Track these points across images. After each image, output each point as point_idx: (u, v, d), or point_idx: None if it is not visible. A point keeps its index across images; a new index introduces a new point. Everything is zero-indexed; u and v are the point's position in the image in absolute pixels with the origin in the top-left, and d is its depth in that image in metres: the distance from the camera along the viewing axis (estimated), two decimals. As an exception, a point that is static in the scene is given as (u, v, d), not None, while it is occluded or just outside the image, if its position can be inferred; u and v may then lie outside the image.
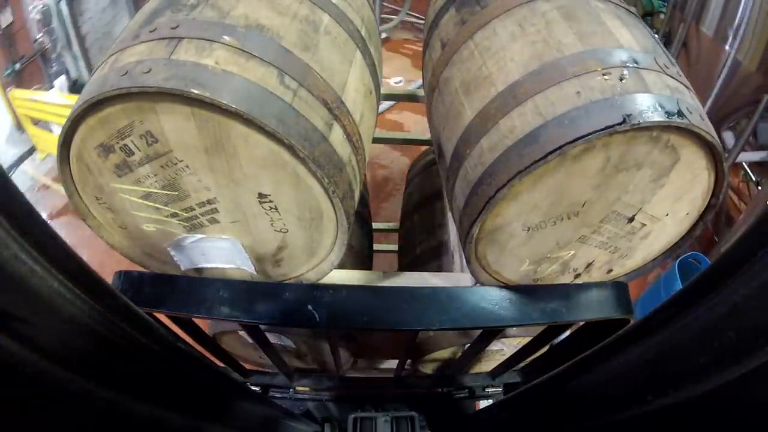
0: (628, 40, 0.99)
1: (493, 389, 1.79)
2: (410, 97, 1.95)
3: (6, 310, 0.39)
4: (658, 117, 0.84)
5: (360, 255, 1.88)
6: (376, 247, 2.26)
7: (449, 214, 1.85)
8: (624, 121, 0.84)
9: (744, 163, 3.34)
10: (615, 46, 0.96)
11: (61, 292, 0.43)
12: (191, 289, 1.04)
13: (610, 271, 1.24)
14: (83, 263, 0.47)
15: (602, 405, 0.71)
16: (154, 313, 1.02)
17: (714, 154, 0.95)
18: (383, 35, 5.40)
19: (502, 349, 1.66)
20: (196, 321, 1.27)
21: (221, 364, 1.58)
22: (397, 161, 4.31)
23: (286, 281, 1.17)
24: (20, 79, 4.39)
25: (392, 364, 2.01)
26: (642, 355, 0.61)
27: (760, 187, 3.26)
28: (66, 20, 4.24)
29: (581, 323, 1.24)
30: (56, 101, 3.99)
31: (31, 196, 3.97)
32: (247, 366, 1.76)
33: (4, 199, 0.37)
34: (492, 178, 0.97)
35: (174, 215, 1.01)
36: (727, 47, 2.59)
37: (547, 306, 1.09)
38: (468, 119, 1.08)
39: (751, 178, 3.42)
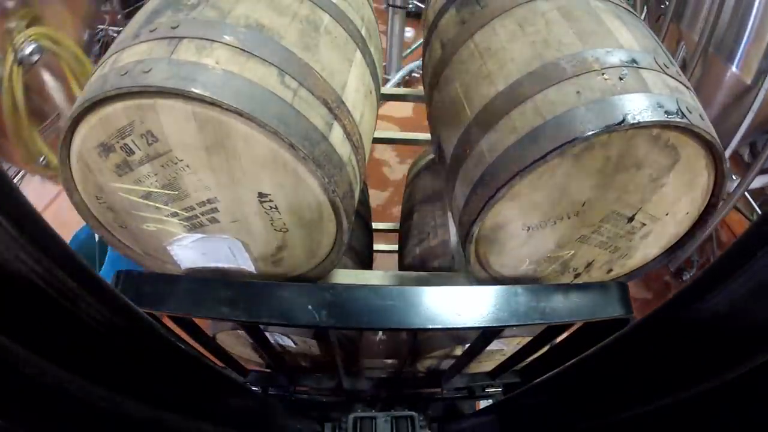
0: (628, 39, 0.99)
1: (493, 389, 1.79)
2: (411, 98, 1.95)
3: (6, 310, 0.39)
4: (657, 116, 0.84)
5: (360, 255, 1.88)
6: (376, 247, 2.26)
7: (449, 214, 1.85)
8: (623, 121, 0.84)
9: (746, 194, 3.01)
10: (615, 45, 0.96)
11: (61, 292, 0.43)
12: (191, 289, 1.04)
13: (610, 270, 1.24)
14: (83, 263, 0.47)
15: (602, 405, 0.71)
16: (154, 313, 1.02)
17: (714, 153, 0.95)
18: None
19: (502, 349, 1.66)
20: (196, 321, 1.27)
21: (221, 364, 1.58)
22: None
23: (286, 281, 1.17)
24: None
25: (392, 364, 2.01)
26: (642, 355, 0.61)
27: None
28: None
29: (581, 323, 1.24)
30: None
31: None
32: (247, 366, 1.76)
33: (4, 199, 0.37)
34: (492, 178, 0.97)
35: (174, 215, 1.01)
36: (734, 68, 2.32)
37: (547, 306, 1.09)
38: (468, 119, 1.08)
39: (754, 207, 3.19)
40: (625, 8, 1.13)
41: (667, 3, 2.63)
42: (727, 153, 2.48)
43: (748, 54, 2.26)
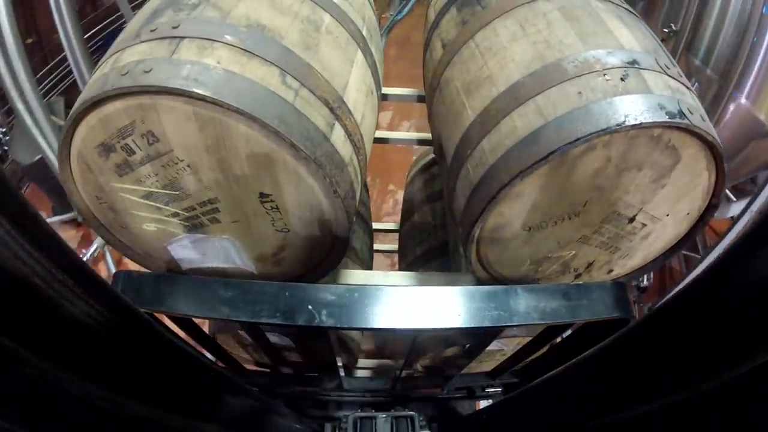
0: (629, 40, 0.99)
1: (493, 389, 1.79)
2: (411, 98, 1.95)
3: (6, 310, 0.39)
4: (658, 117, 0.84)
5: (360, 255, 1.88)
6: (376, 247, 2.26)
7: (450, 214, 1.85)
8: (625, 122, 0.84)
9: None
10: (616, 46, 0.96)
11: (61, 292, 0.43)
12: (191, 289, 1.04)
13: (611, 271, 1.24)
14: (83, 263, 0.47)
15: (602, 405, 0.71)
16: (155, 313, 1.02)
17: (714, 154, 0.95)
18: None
19: (502, 349, 1.66)
20: (196, 321, 1.27)
21: (221, 364, 1.58)
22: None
23: (287, 281, 1.17)
24: None
25: (392, 364, 2.01)
26: (642, 356, 0.61)
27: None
28: None
29: (581, 323, 1.24)
30: None
31: None
32: (247, 366, 1.76)
33: (4, 199, 0.37)
34: (493, 179, 0.97)
35: (175, 215, 1.01)
36: (743, 99, 2.04)
37: (547, 306, 1.09)
38: (469, 119, 1.08)
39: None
40: (625, 8, 1.13)
41: (674, 27, 2.29)
42: (754, 208, 2.23)
43: (762, 86, 2.02)
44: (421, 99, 1.91)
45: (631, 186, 0.97)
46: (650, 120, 0.84)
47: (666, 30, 2.35)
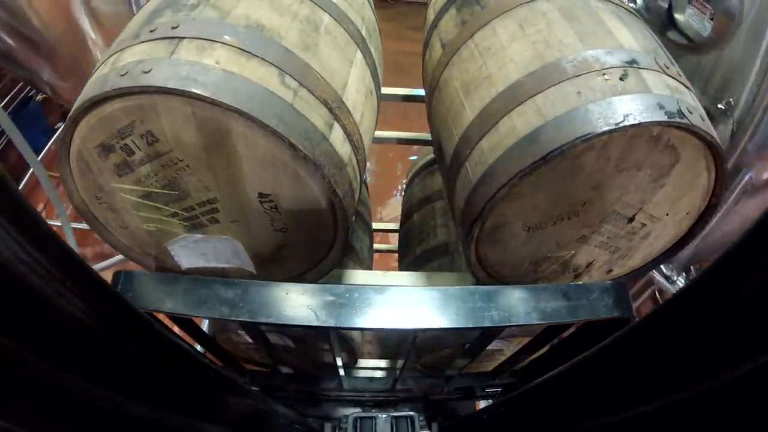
0: (629, 40, 0.99)
1: (493, 389, 1.79)
2: (410, 98, 1.95)
3: (6, 310, 0.39)
4: (658, 117, 0.84)
5: (360, 255, 1.88)
6: (376, 247, 2.26)
7: (449, 214, 1.85)
8: (623, 121, 0.84)
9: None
10: (615, 46, 0.96)
11: (61, 292, 0.43)
12: (191, 289, 1.04)
13: (610, 271, 1.24)
14: (83, 263, 0.47)
15: (602, 405, 0.71)
16: (154, 313, 1.02)
17: (714, 154, 0.95)
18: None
19: (502, 349, 1.66)
20: (196, 321, 1.27)
21: (221, 364, 1.58)
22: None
23: (286, 281, 1.17)
24: None
25: (392, 364, 2.01)
26: (642, 356, 0.61)
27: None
28: None
29: (581, 323, 1.24)
30: None
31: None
32: (247, 366, 1.76)
33: (4, 199, 0.37)
34: (492, 178, 0.97)
35: (174, 215, 1.01)
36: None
37: (547, 306, 1.09)
38: (468, 120, 1.08)
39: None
40: (625, 9, 1.13)
41: (731, 101, 1.62)
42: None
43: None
44: (407, 99, 1.91)
45: (630, 186, 0.97)
46: (649, 119, 0.84)
47: (720, 107, 1.69)
